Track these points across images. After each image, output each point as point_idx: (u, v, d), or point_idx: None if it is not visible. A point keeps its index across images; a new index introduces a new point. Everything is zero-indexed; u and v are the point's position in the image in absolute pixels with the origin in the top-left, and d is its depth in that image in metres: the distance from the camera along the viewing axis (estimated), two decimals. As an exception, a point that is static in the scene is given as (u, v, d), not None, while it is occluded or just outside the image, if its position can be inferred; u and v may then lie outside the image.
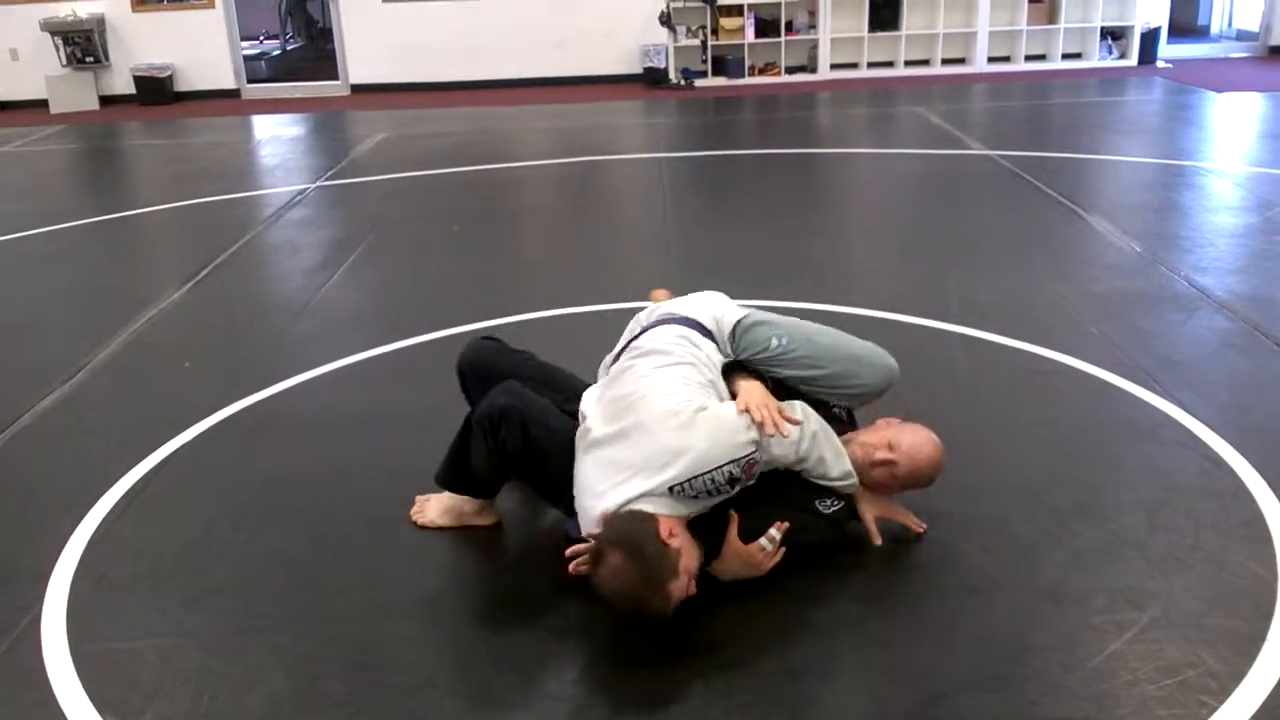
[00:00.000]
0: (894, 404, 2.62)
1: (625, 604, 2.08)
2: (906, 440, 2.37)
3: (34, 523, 2.71)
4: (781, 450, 2.25)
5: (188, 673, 2.11)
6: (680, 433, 2.18)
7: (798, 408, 2.32)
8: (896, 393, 2.59)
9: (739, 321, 2.52)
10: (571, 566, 2.17)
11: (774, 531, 2.23)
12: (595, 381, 2.55)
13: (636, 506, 2.15)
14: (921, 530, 2.45)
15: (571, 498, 2.32)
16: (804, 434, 2.27)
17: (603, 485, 2.21)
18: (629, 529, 2.09)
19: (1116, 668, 2.01)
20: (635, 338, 2.51)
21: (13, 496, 2.86)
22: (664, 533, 2.08)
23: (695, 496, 2.18)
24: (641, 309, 2.71)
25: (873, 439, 2.40)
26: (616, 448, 2.23)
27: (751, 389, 2.32)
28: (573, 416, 2.41)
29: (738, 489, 2.23)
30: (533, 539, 2.61)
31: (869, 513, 2.41)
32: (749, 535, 2.25)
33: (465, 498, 2.58)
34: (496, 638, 2.22)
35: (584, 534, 2.23)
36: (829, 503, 2.34)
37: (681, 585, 2.09)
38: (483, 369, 2.59)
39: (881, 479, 2.38)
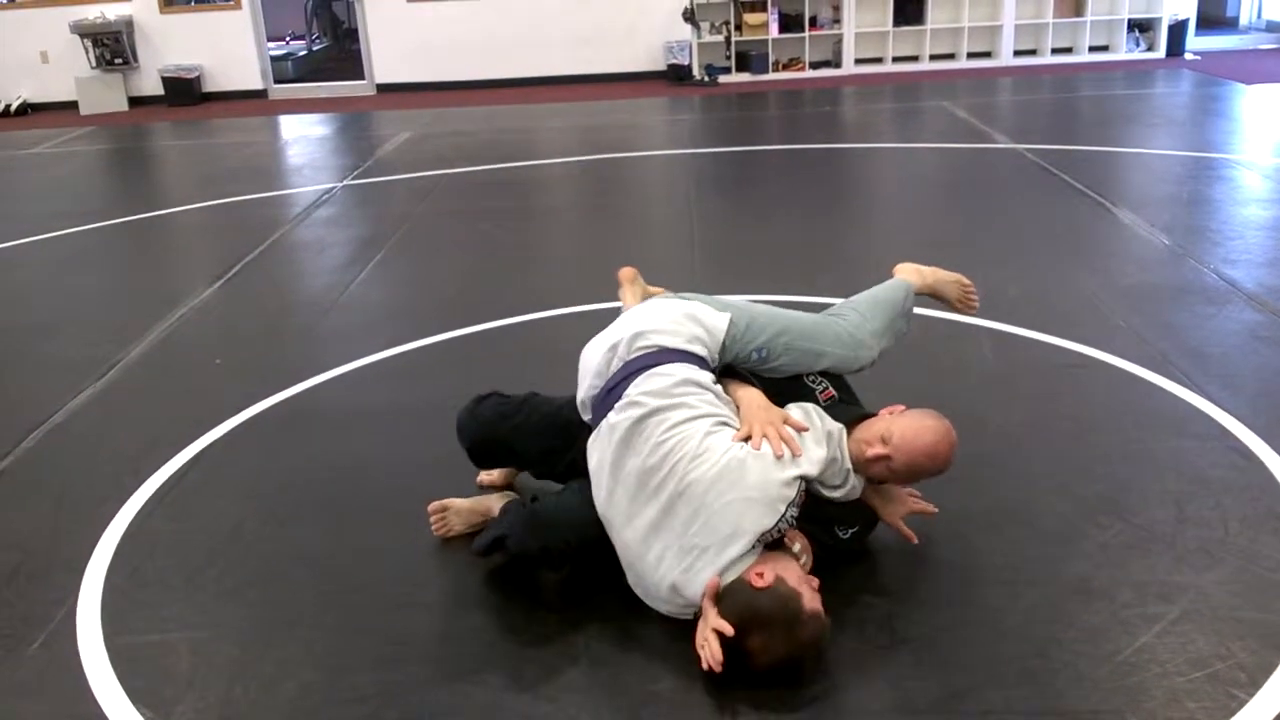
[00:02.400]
0: (922, 399, 2.57)
1: (793, 661, 2.01)
2: (899, 430, 2.18)
3: (68, 518, 2.75)
4: (815, 464, 2.14)
5: (220, 665, 2.14)
6: (732, 505, 2.06)
7: (807, 411, 2.24)
8: (925, 387, 2.58)
9: (724, 336, 2.36)
10: (709, 667, 1.99)
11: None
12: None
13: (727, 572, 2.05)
14: (932, 512, 2.36)
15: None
16: (823, 435, 2.19)
17: (673, 573, 2.09)
18: (741, 605, 1.99)
19: (1145, 661, 2.00)
20: (619, 382, 2.28)
21: (47, 492, 2.90)
22: (767, 580, 2.00)
23: (771, 538, 2.11)
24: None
25: (867, 434, 2.21)
26: (670, 533, 2.10)
27: (751, 403, 2.23)
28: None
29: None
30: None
31: (895, 515, 2.32)
32: None
33: (490, 497, 2.61)
34: (523, 630, 2.24)
35: (664, 610, 2.15)
36: (844, 529, 2.29)
37: (809, 595, 2.02)
38: (488, 446, 2.56)
39: (880, 475, 2.22)
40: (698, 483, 2.08)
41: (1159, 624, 2.10)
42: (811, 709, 1.95)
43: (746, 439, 2.14)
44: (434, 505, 2.58)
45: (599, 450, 2.25)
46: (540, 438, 2.48)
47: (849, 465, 2.21)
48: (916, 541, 2.34)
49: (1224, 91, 8.62)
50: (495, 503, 2.57)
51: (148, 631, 2.26)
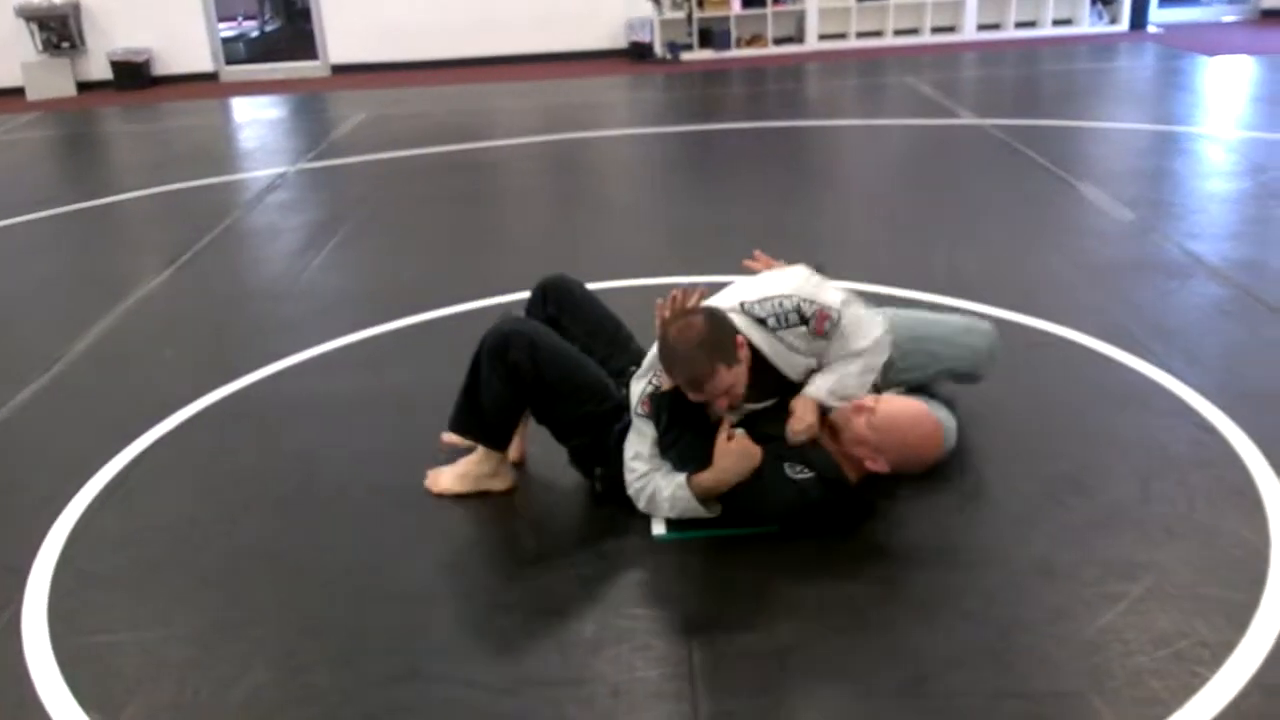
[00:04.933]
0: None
1: (677, 358, 2.26)
2: (890, 397, 2.43)
3: (13, 516, 2.68)
4: (848, 334, 2.38)
5: (170, 666, 2.09)
6: (773, 276, 2.45)
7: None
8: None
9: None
10: (661, 302, 2.38)
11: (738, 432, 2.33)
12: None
13: None
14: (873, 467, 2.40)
15: (580, 438, 2.51)
16: (867, 335, 2.42)
17: None
18: (718, 311, 2.32)
19: (1109, 640, 1.99)
20: None
21: (-9, 491, 2.82)
22: (738, 339, 2.28)
23: (764, 320, 2.34)
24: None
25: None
26: None
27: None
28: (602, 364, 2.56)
29: (808, 334, 2.36)
30: (511, 525, 2.59)
31: (810, 420, 2.36)
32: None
33: (478, 460, 2.59)
34: (479, 624, 2.20)
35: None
36: (798, 469, 2.32)
37: (728, 382, 2.25)
38: (563, 289, 2.74)
39: (859, 430, 2.34)
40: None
41: (1122, 602, 2.09)
42: (773, 695, 1.92)
43: None
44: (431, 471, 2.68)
45: None
46: (593, 321, 2.70)
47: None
48: (799, 431, 2.34)
49: (1187, 64, 8.66)
50: (486, 475, 2.61)
51: (96, 633, 2.20)
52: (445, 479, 2.63)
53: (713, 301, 2.43)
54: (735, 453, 2.29)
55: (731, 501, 2.35)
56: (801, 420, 2.35)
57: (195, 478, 2.83)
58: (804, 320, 2.34)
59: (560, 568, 2.34)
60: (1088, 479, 2.53)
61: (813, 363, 2.41)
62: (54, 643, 2.17)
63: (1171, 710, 1.82)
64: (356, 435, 3.00)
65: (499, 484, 2.62)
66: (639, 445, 2.40)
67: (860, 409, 2.36)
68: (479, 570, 2.44)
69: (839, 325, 2.36)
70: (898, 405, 2.38)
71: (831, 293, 2.40)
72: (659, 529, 2.42)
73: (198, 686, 2.03)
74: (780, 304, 2.34)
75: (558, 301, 2.72)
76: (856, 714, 1.87)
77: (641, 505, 2.41)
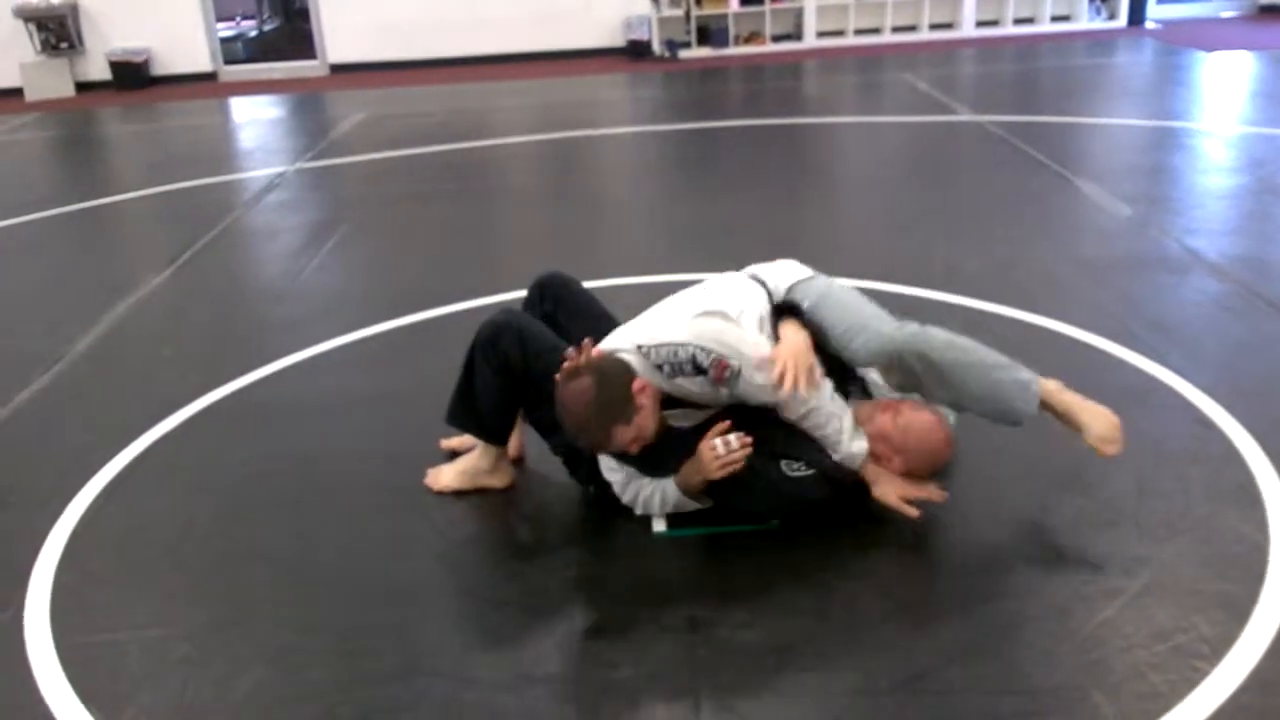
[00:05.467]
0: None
1: (569, 422, 2.21)
2: (908, 401, 2.41)
3: (14, 517, 2.68)
4: (759, 385, 2.25)
5: (171, 664, 2.09)
6: (680, 314, 2.32)
7: (826, 387, 2.32)
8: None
9: (793, 285, 2.51)
10: (561, 370, 2.25)
11: (731, 437, 2.24)
12: None
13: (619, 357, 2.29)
14: (941, 499, 2.36)
15: (562, 435, 2.41)
16: (805, 401, 2.28)
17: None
18: (608, 365, 2.23)
19: (1109, 635, 2.00)
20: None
21: (-8, 490, 2.82)
22: (635, 385, 2.21)
23: (660, 367, 2.26)
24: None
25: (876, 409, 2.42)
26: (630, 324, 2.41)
27: (796, 339, 2.31)
28: None
29: (707, 382, 2.25)
30: (510, 521, 2.59)
31: (891, 493, 2.34)
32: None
33: (476, 457, 2.60)
34: (477, 621, 2.20)
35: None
36: (796, 466, 2.31)
37: (628, 436, 2.21)
38: (559, 286, 2.71)
39: (884, 425, 2.35)
40: (677, 301, 2.43)
41: (1121, 598, 2.09)
42: (773, 692, 1.93)
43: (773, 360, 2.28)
44: (431, 470, 2.68)
45: None
46: (588, 318, 2.64)
47: (862, 445, 2.34)
48: (917, 514, 2.31)
49: (1185, 60, 8.66)
50: (485, 472, 2.62)
51: (98, 631, 2.21)
52: (445, 476, 2.64)
53: (613, 338, 2.35)
54: (695, 458, 2.27)
55: (731, 499, 2.35)
56: (891, 494, 2.33)
57: (195, 477, 2.83)
58: (700, 370, 2.23)
59: (559, 564, 2.35)
60: (1086, 475, 2.53)
61: (722, 396, 2.31)
62: (56, 641, 2.17)
63: (1171, 705, 1.82)
64: (356, 434, 3.00)
65: (497, 481, 2.63)
66: (607, 459, 2.42)
67: (889, 406, 2.37)
68: (478, 567, 2.44)
69: (739, 374, 2.23)
70: (916, 410, 2.39)
71: (732, 338, 2.25)
72: (659, 526, 2.43)
73: (199, 684, 2.03)
74: (675, 353, 2.23)
75: (554, 299, 2.71)
76: (856, 710, 1.88)
77: (639, 510, 2.42)
